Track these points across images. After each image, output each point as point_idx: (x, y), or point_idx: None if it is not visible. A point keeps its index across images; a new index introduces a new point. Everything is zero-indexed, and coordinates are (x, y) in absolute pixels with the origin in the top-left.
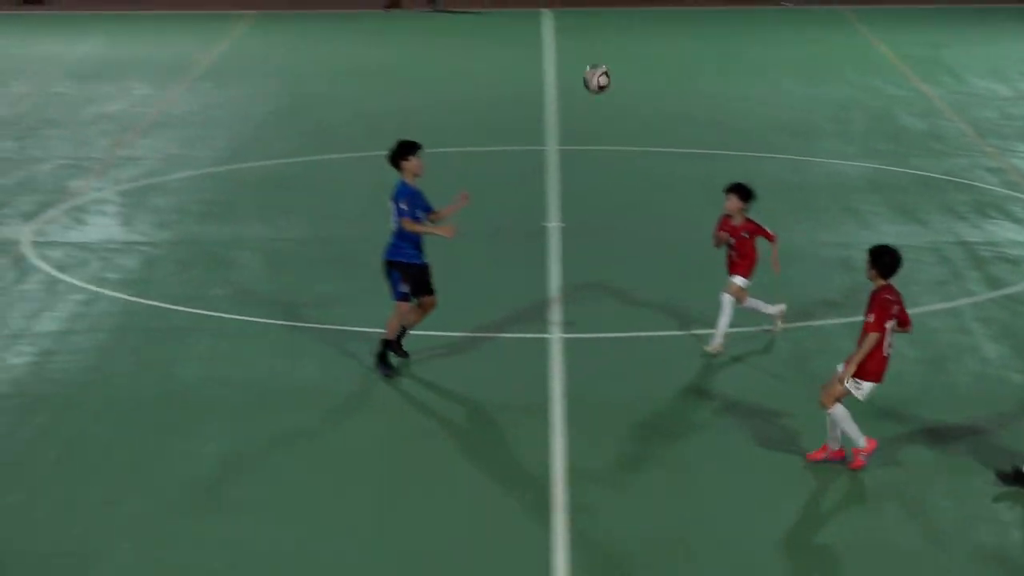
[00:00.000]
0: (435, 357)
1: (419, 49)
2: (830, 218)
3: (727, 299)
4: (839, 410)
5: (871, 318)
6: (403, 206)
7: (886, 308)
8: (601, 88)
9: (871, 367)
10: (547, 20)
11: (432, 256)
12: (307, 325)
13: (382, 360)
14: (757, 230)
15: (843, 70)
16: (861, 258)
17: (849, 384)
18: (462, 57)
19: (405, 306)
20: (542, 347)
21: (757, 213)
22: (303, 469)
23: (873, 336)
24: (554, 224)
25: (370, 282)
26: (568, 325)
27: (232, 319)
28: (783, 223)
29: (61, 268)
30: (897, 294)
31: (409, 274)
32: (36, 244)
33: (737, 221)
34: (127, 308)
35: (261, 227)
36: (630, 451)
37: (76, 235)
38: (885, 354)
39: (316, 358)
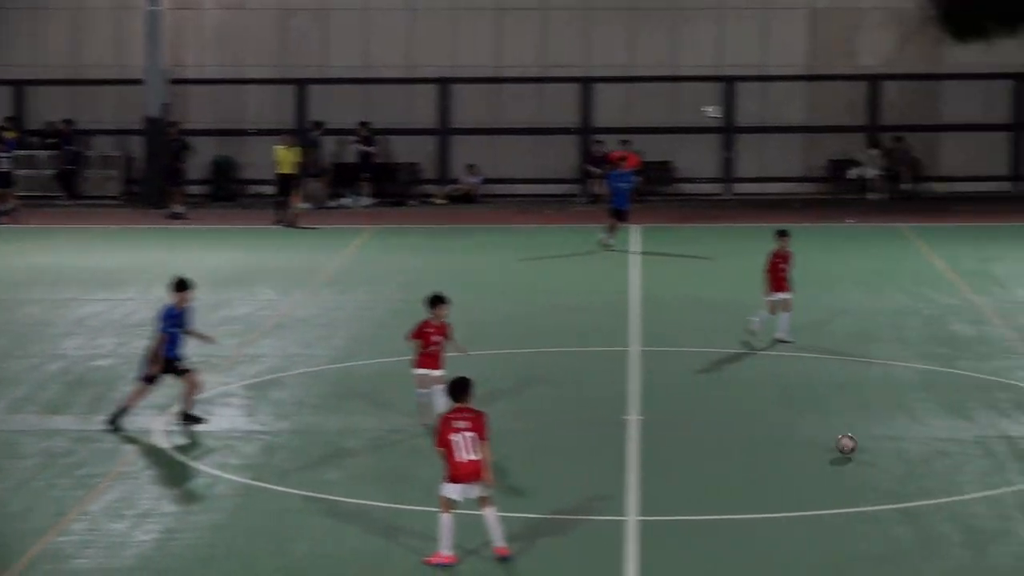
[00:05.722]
0: (513, 539)
1: (514, 262)
2: (885, 414)
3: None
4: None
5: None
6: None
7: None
8: (849, 449)
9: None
10: (635, 234)
11: (518, 442)
12: (410, 508)
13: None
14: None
15: (902, 282)
16: (913, 449)
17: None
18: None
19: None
20: (617, 529)
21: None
22: None
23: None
24: (633, 417)
25: None
26: (644, 506)
27: (343, 501)
28: (842, 419)
29: (187, 454)
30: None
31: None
32: (167, 433)
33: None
34: (245, 490)
35: (369, 418)
36: None
37: (202, 425)
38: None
39: (418, 537)
